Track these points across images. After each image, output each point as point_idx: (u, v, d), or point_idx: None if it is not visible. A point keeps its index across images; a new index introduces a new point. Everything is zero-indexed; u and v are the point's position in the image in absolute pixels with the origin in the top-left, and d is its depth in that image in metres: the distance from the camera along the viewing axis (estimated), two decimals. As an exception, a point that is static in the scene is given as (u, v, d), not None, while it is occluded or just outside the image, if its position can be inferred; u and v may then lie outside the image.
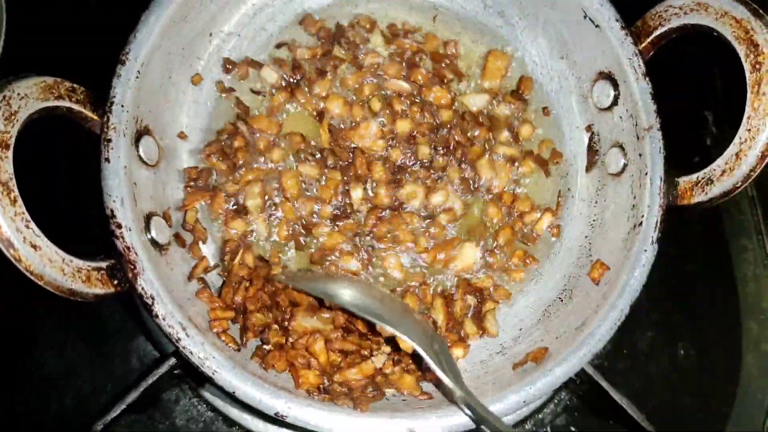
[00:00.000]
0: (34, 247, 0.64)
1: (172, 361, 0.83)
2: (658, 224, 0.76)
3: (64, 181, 0.99)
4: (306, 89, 0.88)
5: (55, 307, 0.97)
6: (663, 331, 0.99)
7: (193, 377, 0.94)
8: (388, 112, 0.87)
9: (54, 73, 0.72)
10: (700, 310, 1.01)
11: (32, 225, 0.65)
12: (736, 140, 0.73)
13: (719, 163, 0.74)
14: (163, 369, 0.83)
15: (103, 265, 0.71)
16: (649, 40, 0.80)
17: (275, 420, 0.71)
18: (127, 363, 0.97)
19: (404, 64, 0.90)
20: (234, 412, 0.94)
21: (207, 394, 0.95)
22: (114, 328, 0.98)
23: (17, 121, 0.66)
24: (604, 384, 0.83)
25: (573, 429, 0.98)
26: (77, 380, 0.96)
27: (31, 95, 0.68)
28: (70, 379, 0.96)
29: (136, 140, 0.77)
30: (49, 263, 0.65)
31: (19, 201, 0.64)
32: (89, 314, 0.98)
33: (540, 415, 0.98)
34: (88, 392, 0.96)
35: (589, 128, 0.88)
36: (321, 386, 0.72)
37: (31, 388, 0.95)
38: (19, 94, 0.67)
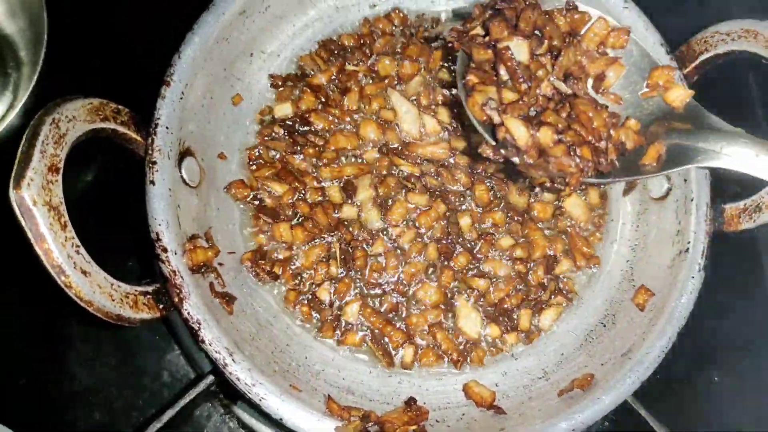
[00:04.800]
0: (84, 273, 0.64)
1: (210, 379, 0.83)
2: (705, 251, 0.76)
3: (102, 202, 0.98)
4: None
5: (87, 322, 0.97)
6: (697, 358, 0.98)
7: (229, 395, 0.93)
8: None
9: (91, 93, 0.72)
10: (734, 338, 1.00)
11: (82, 250, 0.64)
12: (786, 167, 0.72)
13: (768, 189, 0.74)
14: (200, 388, 0.83)
15: (149, 289, 0.71)
16: (693, 65, 0.80)
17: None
18: (158, 379, 0.97)
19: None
20: (265, 430, 0.94)
21: (238, 411, 0.95)
22: (145, 344, 0.98)
23: (66, 144, 0.66)
24: (643, 412, 0.83)
25: (606, 455, 0.97)
26: (108, 395, 0.95)
27: (78, 117, 0.68)
28: (101, 394, 0.95)
29: (179, 162, 0.77)
30: (98, 289, 0.65)
31: (69, 226, 0.64)
32: (121, 330, 0.97)
33: (573, 441, 0.98)
34: (119, 407, 0.95)
35: (630, 151, 0.88)
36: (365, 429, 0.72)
37: (62, 403, 0.95)
38: (67, 116, 0.66)
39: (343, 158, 0.86)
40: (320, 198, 0.84)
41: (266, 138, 0.86)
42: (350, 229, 0.83)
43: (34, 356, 0.96)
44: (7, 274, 0.97)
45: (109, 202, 0.98)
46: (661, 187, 0.83)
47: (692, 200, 0.77)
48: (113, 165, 0.99)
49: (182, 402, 0.82)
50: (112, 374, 0.96)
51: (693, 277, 0.75)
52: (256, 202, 0.85)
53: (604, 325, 0.82)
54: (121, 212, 0.97)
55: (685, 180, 0.79)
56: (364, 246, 0.83)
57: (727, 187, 0.81)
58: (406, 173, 0.86)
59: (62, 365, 0.96)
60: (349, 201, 0.84)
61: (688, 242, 0.77)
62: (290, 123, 0.87)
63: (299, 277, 0.83)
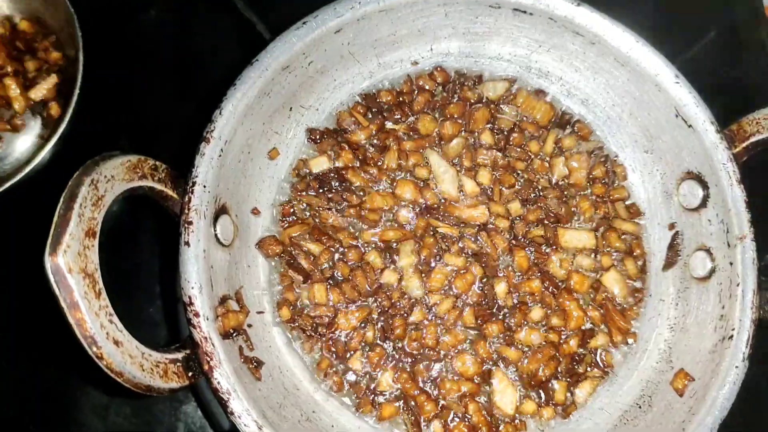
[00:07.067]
0: (117, 343, 0.61)
1: (229, 441, 0.81)
2: (750, 340, 0.74)
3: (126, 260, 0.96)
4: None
5: (100, 369, 0.94)
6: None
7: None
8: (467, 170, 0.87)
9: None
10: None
11: (115, 319, 0.62)
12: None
13: (818, 282, 0.72)
14: (220, 450, 0.81)
15: (179, 356, 0.68)
16: (743, 145, 0.78)
17: None
18: (173, 431, 0.94)
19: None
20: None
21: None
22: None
23: (104, 206, 0.63)
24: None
25: None
26: (120, 446, 0.93)
27: (117, 177, 0.66)
28: (113, 445, 0.93)
29: (214, 220, 0.74)
30: (129, 359, 0.62)
31: (104, 293, 0.61)
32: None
33: None
34: (132, 460, 0.93)
35: (672, 227, 0.86)
36: None
37: (73, 453, 0.92)
38: (105, 176, 0.64)
39: (382, 221, 0.84)
40: (360, 260, 0.82)
41: (301, 193, 0.84)
42: (389, 295, 0.81)
43: (45, 402, 0.93)
44: (20, 316, 0.95)
45: (134, 250, 0.96)
46: (704, 267, 0.81)
47: (738, 285, 0.75)
48: (142, 217, 0.97)
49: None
50: (125, 424, 0.93)
51: (737, 367, 0.73)
52: (288, 258, 0.83)
53: (640, 407, 0.80)
54: (148, 264, 0.96)
55: (731, 263, 0.77)
56: (403, 314, 0.81)
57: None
58: (443, 234, 0.84)
59: (74, 412, 0.93)
60: (391, 266, 0.82)
61: (733, 329, 0.74)
62: (326, 179, 0.85)
63: (333, 343, 0.80)
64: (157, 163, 0.71)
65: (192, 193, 0.72)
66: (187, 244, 0.70)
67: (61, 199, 0.61)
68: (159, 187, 0.71)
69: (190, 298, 0.69)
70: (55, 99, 0.98)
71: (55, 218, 0.60)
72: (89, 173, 0.63)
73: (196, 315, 0.69)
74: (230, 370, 0.69)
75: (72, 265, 0.59)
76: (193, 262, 0.70)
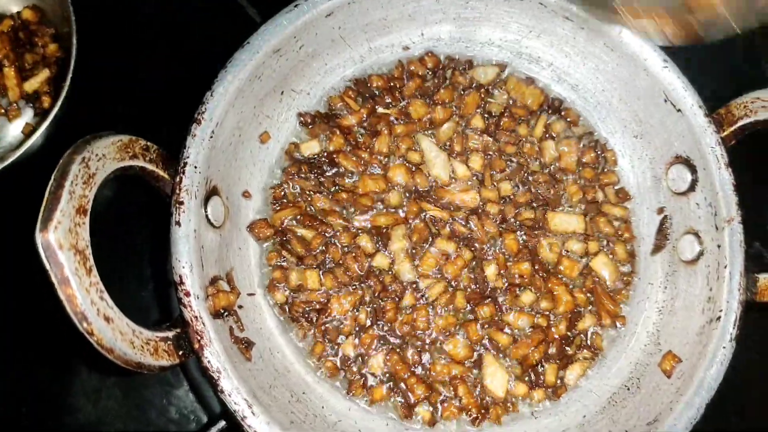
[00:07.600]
0: (107, 319, 0.61)
1: (221, 424, 0.81)
2: (737, 321, 0.74)
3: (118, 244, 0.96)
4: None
5: (92, 352, 0.94)
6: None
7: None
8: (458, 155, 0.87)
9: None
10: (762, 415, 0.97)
11: (105, 296, 0.62)
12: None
13: (804, 264, 0.73)
14: (213, 432, 0.81)
15: (170, 335, 0.68)
16: (731, 129, 0.79)
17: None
18: (165, 414, 0.94)
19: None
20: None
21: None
22: (153, 377, 0.95)
23: (95, 184, 0.64)
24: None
25: None
26: (111, 430, 0.93)
27: (108, 155, 0.66)
28: (104, 429, 0.93)
29: (205, 201, 0.75)
30: (120, 336, 0.63)
31: (94, 270, 0.62)
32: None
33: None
34: (124, 443, 0.93)
35: (660, 211, 0.86)
36: None
37: (65, 436, 0.92)
38: (97, 155, 0.64)
39: (374, 206, 0.85)
40: (352, 243, 0.82)
41: (292, 177, 0.85)
42: (381, 279, 0.81)
43: (38, 384, 0.94)
44: (14, 299, 0.95)
45: (126, 235, 0.96)
46: (692, 250, 0.81)
47: (725, 267, 0.76)
48: (134, 203, 0.97)
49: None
50: (116, 407, 0.93)
51: (724, 347, 0.74)
52: (280, 239, 0.83)
53: (628, 389, 0.81)
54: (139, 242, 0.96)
55: (719, 246, 0.78)
56: (394, 298, 0.81)
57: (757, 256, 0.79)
58: (433, 217, 0.84)
59: (66, 395, 0.93)
60: (382, 250, 0.83)
61: (720, 311, 0.75)
62: (317, 163, 0.85)
63: (326, 327, 0.81)
64: (149, 143, 0.71)
65: (183, 173, 0.72)
66: (178, 224, 0.71)
67: (52, 177, 0.61)
68: (150, 167, 0.71)
69: (180, 277, 0.69)
70: (48, 92, 0.99)
71: (46, 195, 0.60)
72: (80, 152, 0.63)
73: (187, 294, 0.69)
74: (220, 349, 0.69)
75: (63, 242, 0.59)
76: (183, 242, 0.70)
